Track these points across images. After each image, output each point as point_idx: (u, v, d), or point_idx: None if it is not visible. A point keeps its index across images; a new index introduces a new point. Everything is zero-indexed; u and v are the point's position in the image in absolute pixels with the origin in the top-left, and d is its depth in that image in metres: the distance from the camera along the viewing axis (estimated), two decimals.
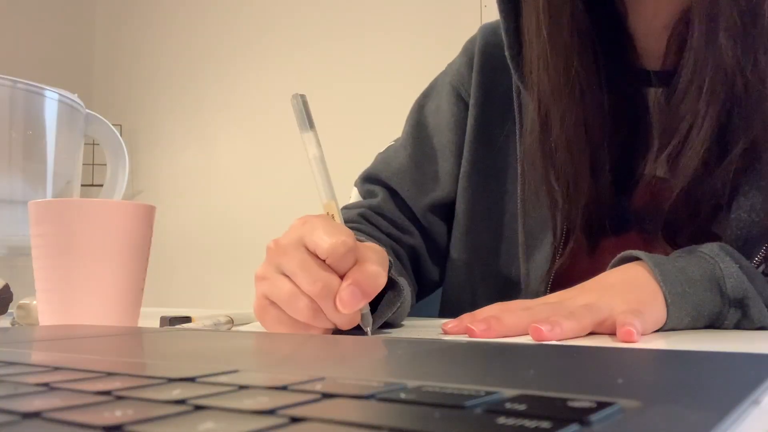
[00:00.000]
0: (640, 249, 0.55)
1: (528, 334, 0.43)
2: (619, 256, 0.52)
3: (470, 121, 0.72)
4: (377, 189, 0.73)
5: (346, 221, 0.66)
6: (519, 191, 0.68)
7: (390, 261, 0.50)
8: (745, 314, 0.50)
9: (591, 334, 0.46)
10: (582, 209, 0.63)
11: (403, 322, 0.57)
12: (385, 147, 0.79)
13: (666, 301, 0.47)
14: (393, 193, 0.73)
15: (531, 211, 0.67)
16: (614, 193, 0.64)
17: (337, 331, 0.46)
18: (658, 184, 0.63)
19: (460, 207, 0.72)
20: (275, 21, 2.35)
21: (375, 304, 0.49)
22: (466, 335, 0.44)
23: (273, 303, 0.45)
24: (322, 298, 0.43)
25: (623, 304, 0.46)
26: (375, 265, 0.44)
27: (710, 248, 0.52)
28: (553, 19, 0.60)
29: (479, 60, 0.73)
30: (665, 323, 0.47)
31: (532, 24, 0.62)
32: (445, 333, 0.46)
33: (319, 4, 2.26)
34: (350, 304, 0.42)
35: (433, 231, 0.73)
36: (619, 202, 0.64)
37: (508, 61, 0.66)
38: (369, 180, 0.75)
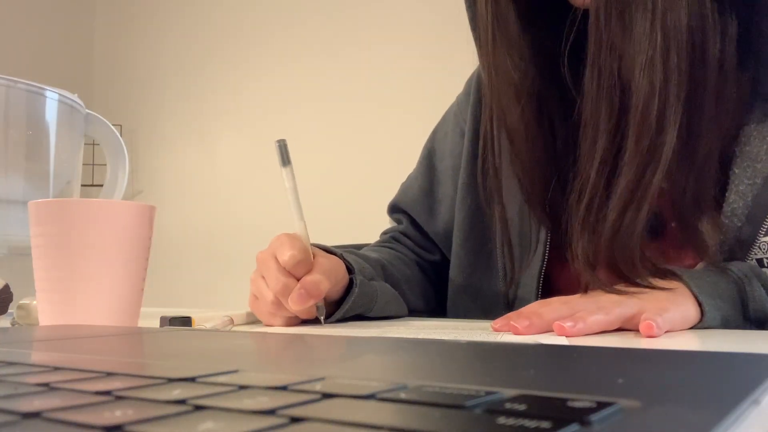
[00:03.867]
0: None
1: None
2: None
3: (465, 143, 0.78)
4: (401, 217, 0.85)
5: (383, 242, 0.84)
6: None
7: (351, 268, 0.63)
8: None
9: (619, 330, 0.48)
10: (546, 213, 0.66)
11: (403, 317, 0.69)
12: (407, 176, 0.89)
13: (698, 300, 0.49)
14: (412, 219, 0.84)
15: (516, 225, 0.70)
16: None
17: (305, 321, 0.61)
18: None
19: (456, 225, 0.78)
20: (276, 21, 2.35)
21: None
22: (512, 332, 0.48)
23: (257, 297, 0.61)
24: (282, 296, 0.57)
25: (653, 302, 0.48)
26: (320, 275, 0.57)
27: (740, 268, 0.54)
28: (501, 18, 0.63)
29: (475, 86, 0.79)
30: (701, 320, 0.49)
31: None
32: (495, 330, 0.50)
33: (320, 6, 2.26)
34: (298, 303, 0.56)
35: (448, 248, 0.81)
36: None
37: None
38: (394, 210, 0.87)
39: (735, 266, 0.54)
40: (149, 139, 2.57)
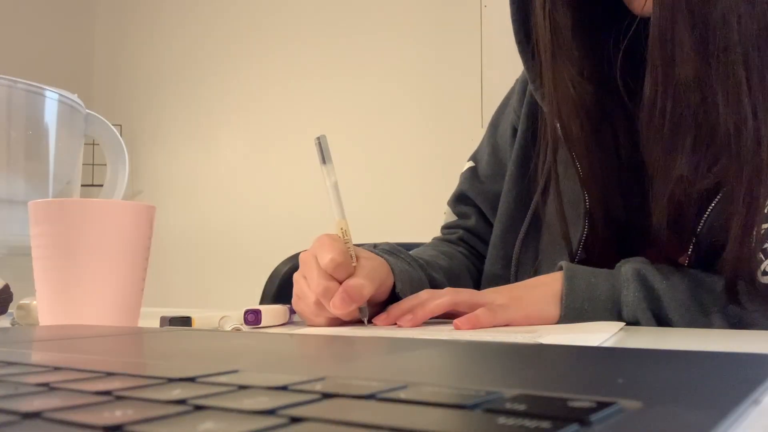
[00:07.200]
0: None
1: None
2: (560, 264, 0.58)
3: (515, 145, 0.75)
4: (470, 210, 0.80)
5: (449, 240, 0.80)
6: (531, 210, 0.70)
7: (393, 268, 0.62)
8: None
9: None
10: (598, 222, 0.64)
11: None
12: (465, 165, 0.84)
13: (561, 306, 0.54)
14: (482, 213, 0.79)
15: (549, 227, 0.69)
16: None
17: (344, 322, 0.59)
18: None
19: (496, 225, 0.76)
20: (276, 21, 2.35)
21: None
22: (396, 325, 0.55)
23: (299, 297, 0.60)
24: (323, 298, 0.56)
25: (502, 298, 0.55)
26: (363, 279, 0.56)
27: (627, 269, 0.55)
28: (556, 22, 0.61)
29: (522, 86, 0.77)
30: (558, 320, 0.55)
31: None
32: (375, 325, 0.56)
33: (319, 4, 2.26)
34: (339, 307, 0.55)
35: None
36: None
37: (520, 54, 0.67)
38: (460, 200, 0.81)
39: (624, 268, 0.55)
40: (149, 139, 2.57)
